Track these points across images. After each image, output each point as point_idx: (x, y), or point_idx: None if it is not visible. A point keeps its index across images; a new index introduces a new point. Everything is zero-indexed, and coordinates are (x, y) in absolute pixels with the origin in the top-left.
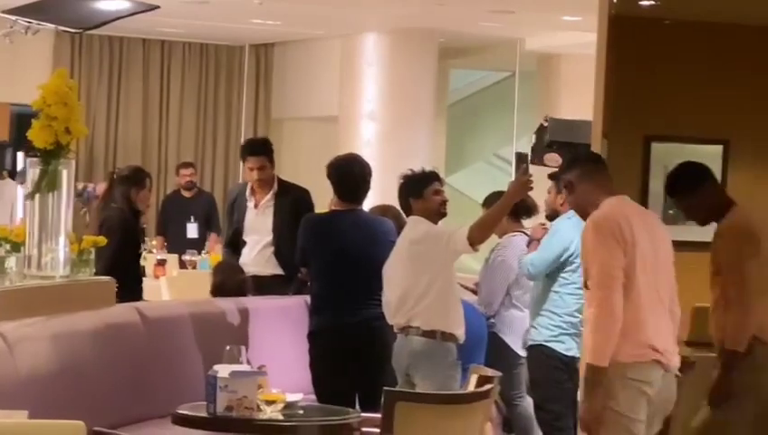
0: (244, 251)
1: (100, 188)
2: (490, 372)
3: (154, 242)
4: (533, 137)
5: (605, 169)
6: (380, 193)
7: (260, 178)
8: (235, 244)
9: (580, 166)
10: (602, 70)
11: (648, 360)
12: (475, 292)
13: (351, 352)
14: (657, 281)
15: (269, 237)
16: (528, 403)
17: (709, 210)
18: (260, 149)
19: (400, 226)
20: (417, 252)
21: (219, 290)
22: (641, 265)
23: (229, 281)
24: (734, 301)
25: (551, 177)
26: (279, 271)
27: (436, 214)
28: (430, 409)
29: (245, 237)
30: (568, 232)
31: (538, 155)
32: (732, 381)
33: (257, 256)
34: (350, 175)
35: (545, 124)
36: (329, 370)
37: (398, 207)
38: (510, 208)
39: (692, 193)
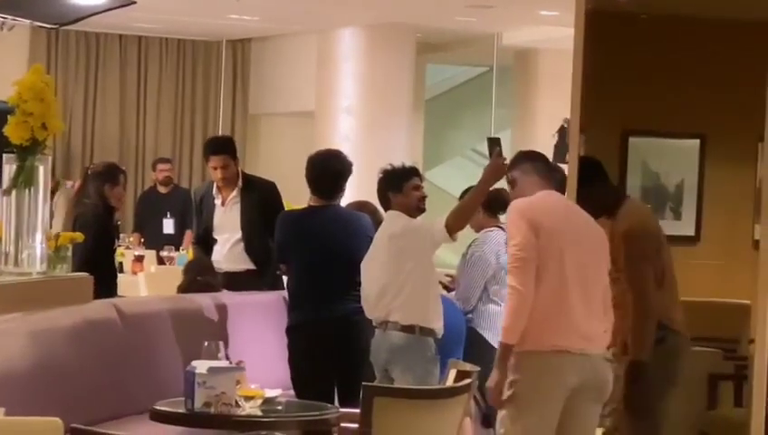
0: (216, 248)
1: (77, 185)
2: (468, 366)
3: (131, 238)
4: (556, 136)
5: (544, 167)
6: (358, 188)
7: (223, 176)
8: (205, 242)
9: (522, 163)
10: (579, 65)
11: (561, 348)
12: (448, 288)
13: (329, 347)
14: (581, 272)
15: (238, 234)
16: None
17: (598, 206)
18: (221, 147)
19: (377, 221)
20: (397, 246)
21: (187, 289)
22: (559, 255)
23: (197, 280)
24: (632, 308)
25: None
26: (251, 266)
27: (415, 209)
28: (409, 404)
29: (216, 235)
30: None
31: (561, 153)
32: (644, 391)
33: (228, 253)
34: (325, 171)
35: (566, 126)
36: (307, 364)
37: (376, 203)
38: (486, 193)
39: (581, 187)
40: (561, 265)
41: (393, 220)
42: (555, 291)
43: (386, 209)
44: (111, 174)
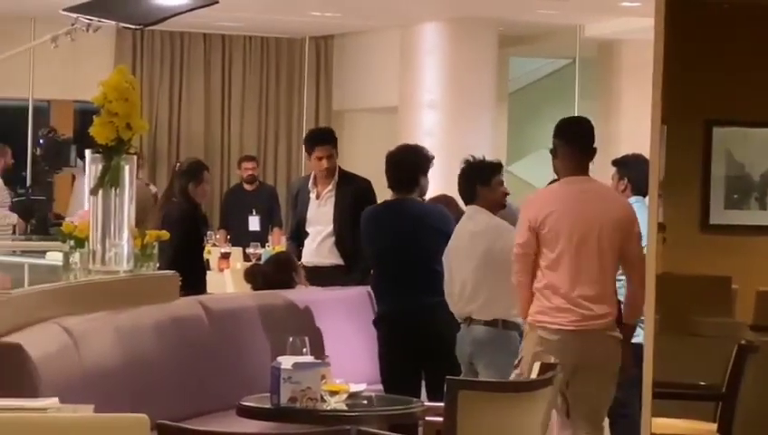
0: (307, 242)
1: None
2: (552, 359)
3: (217, 236)
4: None
5: (575, 145)
6: (442, 182)
7: (329, 166)
8: (298, 236)
9: (556, 139)
10: (660, 55)
11: (543, 322)
12: None
13: (413, 339)
14: (575, 255)
15: (330, 228)
16: None
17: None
18: (328, 137)
19: (458, 215)
20: (478, 244)
21: (264, 280)
22: (554, 244)
23: (276, 274)
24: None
25: (614, 163)
26: (340, 261)
27: (499, 205)
28: (494, 397)
29: (308, 228)
30: None
31: None
32: None
33: (318, 247)
34: (398, 165)
35: None
36: (393, 355)
37: (458, 196)
38: None
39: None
40: (554, 253)
41: (475, 216)
42: (547, 274)
43: (468, 202)
44: (195, 172)
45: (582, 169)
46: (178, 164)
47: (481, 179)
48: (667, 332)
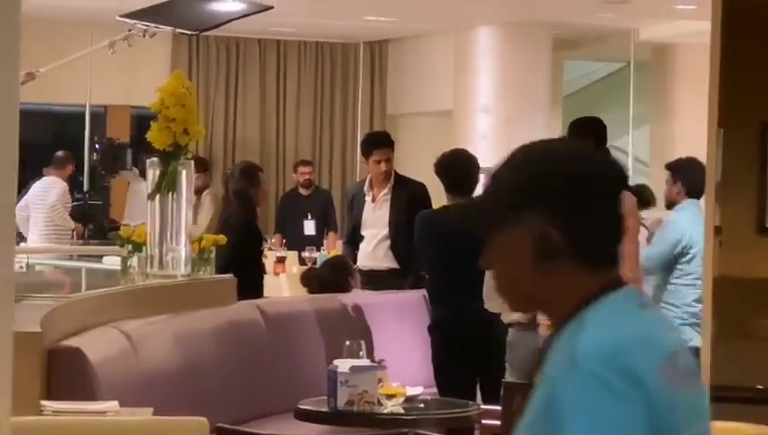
0: (362, 245)
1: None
2: None
3: (273, 240)
4: None
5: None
6: None
7: (387, 169)
8: (353, 240)
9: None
10: (716, 58)
11: None
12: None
13: (468, 345)
14: None
15: (385, 231)
16: None
17: None
18: (386, 141)
19: None
20: None
21: (320, 284)
22: None
23: (332, 278)
24: None
25: (667, 167)
26: (395, 265)
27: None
28: None
29: (363, 232)
30: (681, 223)
31: None
32: None
33: (373, 251)
34: (453, 168)
35: None
36: (449, 359)
37: None
38: None
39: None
40: None
41: None
42: None
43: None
44: (251, 175)
45: None
46: (230, 169)
47: None
48: (725, 335)
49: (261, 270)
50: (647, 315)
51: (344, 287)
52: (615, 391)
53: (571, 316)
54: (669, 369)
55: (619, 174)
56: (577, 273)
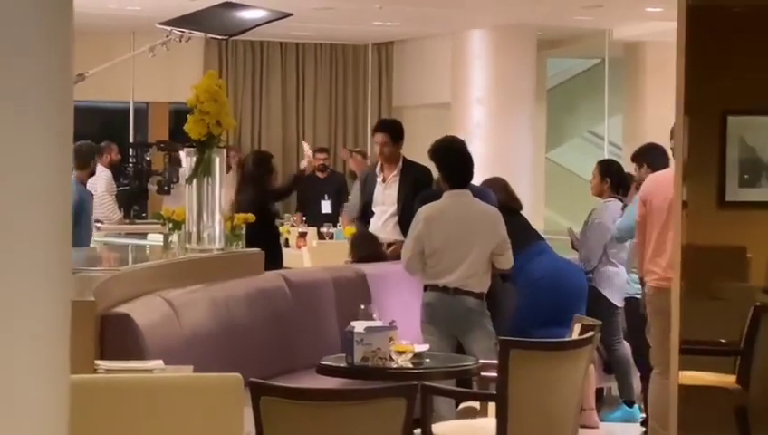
0: (372, 220)
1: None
2: (591, 320)
3: (294, 217)
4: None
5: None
6: (489, 168)
7: (380, 152)
8: (364, 216)
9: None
10: (682, 54)
11: None
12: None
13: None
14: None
15: (393, 208)
16: (626, 348)
17: None
18: (381, 126)
19: (509, 195)
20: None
21: (360, 261)
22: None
23: (369, 252)
24: None
25: (632, 159)
26: (401, 238)
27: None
28: (541, 355)
29: (374, 208)
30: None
31: None
32: None
33: (383, 225)
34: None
35: None
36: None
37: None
38: None
39: None
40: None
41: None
42: None
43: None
44: (266, 163)
45: None
46: (242, 158)
47: None
48: (691, 295)
49: (278, 244)
50: None
51: (382, 256)
52: None
53: None
54: None
55: None
56: None
